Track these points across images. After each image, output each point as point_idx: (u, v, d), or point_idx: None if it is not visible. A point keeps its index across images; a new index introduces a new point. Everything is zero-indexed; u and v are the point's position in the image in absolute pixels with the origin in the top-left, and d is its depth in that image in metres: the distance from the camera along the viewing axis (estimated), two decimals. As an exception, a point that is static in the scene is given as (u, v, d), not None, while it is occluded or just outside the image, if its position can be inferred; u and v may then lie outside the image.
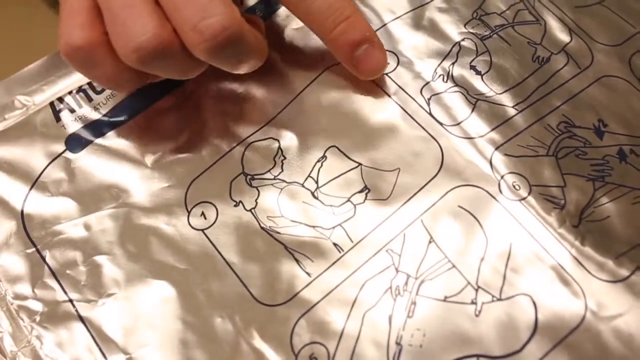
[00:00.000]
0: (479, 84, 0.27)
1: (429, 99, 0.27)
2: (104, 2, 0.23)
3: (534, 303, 0.23)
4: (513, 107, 0.27)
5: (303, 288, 0.24)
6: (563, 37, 0.30)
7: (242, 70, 0.26)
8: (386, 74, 0.28)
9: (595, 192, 0.25)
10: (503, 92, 0.28)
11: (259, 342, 0.23)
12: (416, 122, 0.26)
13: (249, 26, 0.24)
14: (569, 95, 0.28)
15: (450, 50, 0.28)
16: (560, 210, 0.25)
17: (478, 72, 0.28)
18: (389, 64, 0.28)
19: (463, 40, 0.29)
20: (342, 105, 0.27)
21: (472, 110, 0.27)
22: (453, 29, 0.29)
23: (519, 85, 0.28)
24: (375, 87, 0.27)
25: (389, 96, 0.27)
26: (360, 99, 0.27)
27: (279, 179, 0.26)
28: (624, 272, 0.24)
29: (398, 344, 0.23)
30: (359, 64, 0.26)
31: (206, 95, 0.29)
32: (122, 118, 0.28)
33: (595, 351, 0.22)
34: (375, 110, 0.27)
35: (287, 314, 0.24)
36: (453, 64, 0.28)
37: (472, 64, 0.28)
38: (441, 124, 0.26)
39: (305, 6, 0.26)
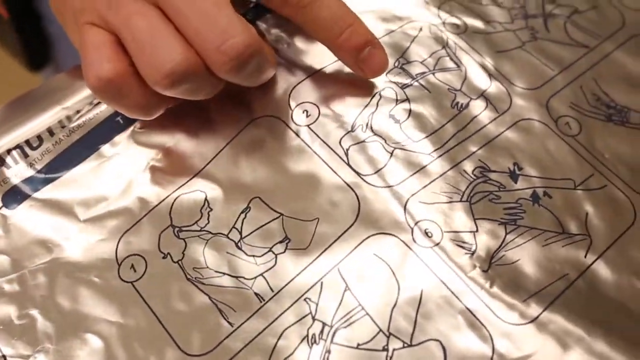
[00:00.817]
0: (397, 133, 0.29)
1: (347, 149, 0.28)
2: (128, 34, 0.25)
3: (443, 348, 0.24)
4: (429, 154, 0.28)
5: (225, 337, 0.25)
6: (483, 82, 0.31)
7: (258, 83, 0.28)
8: (307, 126, 0.29)
9: (507, 235, 0.26)
10: (420, 140, 0.29)
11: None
12: (334, 172, 0.28)
13: (263, 40, 0.26)
14: (486, 140, 0.29)
15: (370, 100, 0.30)
16: (470, 256, 0.26)
17: (397, 121, 0.29)
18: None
19: (384, 89, 0.30)
20: (265, 157, 0.28)
21: (389, 159, 0.28)
22: (375, 79, 0.30)
23: (436, 132, 0.29)
24: (297, 138, 0.29)
25: (310, 147, 0.28)
26: (283, 150, 0.28)
27: (205, 231, 0.27)
28: (533, 313, 0.25)
29: (310, 392, 0.24)
30: (364, 65, 0.29)
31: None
32: (56, 174, 0.29)
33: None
34: (296, 161, 0.28)
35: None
36: (373, 113, 0.29)
37: (391, 112, 0.29)
38: (358, 173, 0.27)
39: (313, 17, 0.28)
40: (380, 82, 0.30)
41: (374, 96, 0.30)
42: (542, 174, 0.28)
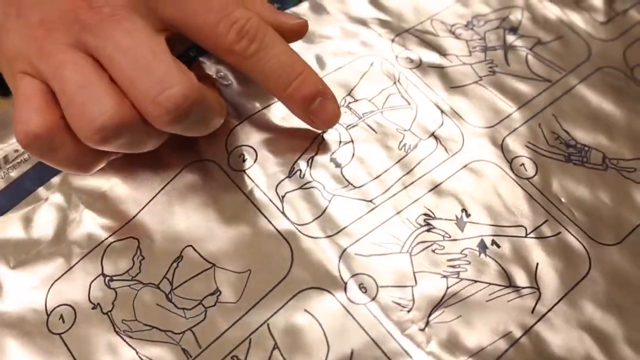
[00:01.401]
0: (338, 178, 0.27)
1: (283, 196, 0.27)
2: (58, 85, 0.23)
3: (372, 412, 0.23)
4: (371, 201, 0.27)
5: (150, 396, 0.24)
6: (434, 120, 0.30)
7: (205, 132, 0.26)
8: (243, 171, 0.28)
9: (448, 289, 0.25)
10: (362, 186, 0.27)
11: None
12: (269, 220, 0.26)
13: (206, 87, 0.24)
14: (433, 184, 0.28)
15: (311, 143, 0.28)
16: (407, 312, 0.24)
17: (338, 165, 0.28)
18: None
19: (326, 131, 0.29)
20: (199, 203, 0.27)
21: (327, 207, 0.27)
22: None
23: (380, 176, 0.28)
24: (232, 184, 0.27)
25: (245, 194, 0.27)
26: (217, 196, 0.27)
27: (136, 280, 0.26)
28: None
29: None
30: (315, 116, 0.27)
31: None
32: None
33: None
34: (230, 208, 0.27)
35: None
36: (313, 157, 0.28)
37: (333, 156, 0.28)
38: (293, 222, 0.26)
39: (260, 67, 0.26)
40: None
41: (315, 138, 0.29)
42: (491, 221, 0.27)
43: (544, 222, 0.27)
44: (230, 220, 0.27)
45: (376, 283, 0.25)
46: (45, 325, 0.26)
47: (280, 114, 0.29)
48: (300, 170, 0.28)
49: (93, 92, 0.23)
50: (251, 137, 0.29)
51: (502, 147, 0.29)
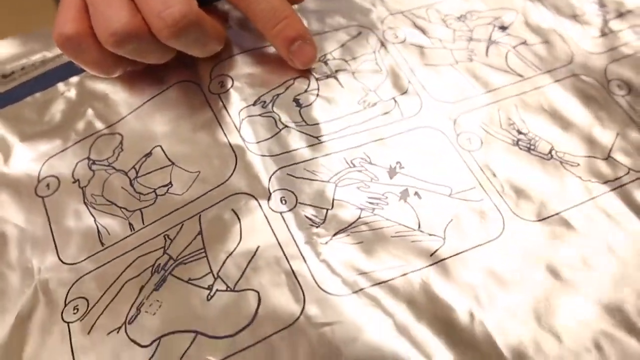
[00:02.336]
0: (294, 115, 0.32)
1: (242, 119, 0.31)
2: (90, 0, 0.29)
3: (259, 299, 0.26)
4: (317, 137, 0.31)
5: (94, 254, 0.29)
6: (400, 87, 0.33)
7: (204, 53, 0.32)
8: (218, 95, 0.32)
9: (359, 219, 0.28)
10: (313, 125, 0.31)
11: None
12: (226, 136, 0.31)
13: (206, 15, 0.30)
14: (379, 137, 0.31)
15: (281, 84, 0.33)
16: (315, 228, 0.28)
17: (299, 105, 0.32)
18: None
19: (299, 77, 0.33)
20: (176, 115, 0.32)
21: (275, 134, 0.31)
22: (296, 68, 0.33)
23: (333, 121, 0.32)
24: (207, 104, 0.32)
25: (214, 113, 0.32)
26: (192, 113, 0.32)
27: (112, 167, 0.32)
28: (354, 288, 0.26)
29: (137, 309, 0.27)
30: (294, 56, 0.32)
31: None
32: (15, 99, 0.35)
33: (300, 350, 0.25)
34: (199, 123, 0.32)
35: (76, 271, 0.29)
36: (279, 95, 0.32)
37: (297, 97, 0.32)
38: (244, 140, 0.31)
39: (253, 8, 0.32)
40: (299, 70, 0.33)
41: (287, 81, 0.33)
42: (421, 176, 0.30)
43: (471, 189, 0.30)
44: (196, 131, 0.32)
45: (296, 199, 0.29)
46: (34, 189, 0.32)
47: (264, 58, 0.34)
48: (265, 102, 0.32)
49: (114, 6, 0.29)
50: (233, 70, 0.33)
51: (455, 121, 0.32)
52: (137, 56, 0.30)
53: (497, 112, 0.33)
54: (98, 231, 0.30)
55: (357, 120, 0.32)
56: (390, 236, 0.28)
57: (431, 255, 0.28)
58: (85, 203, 0.31)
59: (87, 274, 0.28)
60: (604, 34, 0.37)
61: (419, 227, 0.28)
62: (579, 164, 0.31)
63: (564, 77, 0.35)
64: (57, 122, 0.34)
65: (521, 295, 0.27)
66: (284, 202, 0.29)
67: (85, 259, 0.29)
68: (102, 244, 0.29)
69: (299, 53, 0.32)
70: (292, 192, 0.29)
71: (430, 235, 0.28)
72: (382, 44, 0.35)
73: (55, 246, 0.30)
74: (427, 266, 0.27)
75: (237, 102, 0.32)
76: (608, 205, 0.29)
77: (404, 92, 0.33)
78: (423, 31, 0.36)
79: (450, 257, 0.28)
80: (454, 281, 0.27)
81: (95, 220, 0.30)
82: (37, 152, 0.33)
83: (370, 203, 0.29)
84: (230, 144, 0.31)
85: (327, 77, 0.33)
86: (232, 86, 0.33)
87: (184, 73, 0.33)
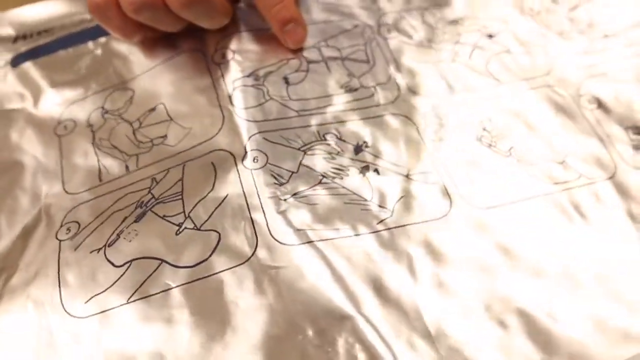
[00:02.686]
0: (281, 90, 0.36)
1: (235, 87, 0.36)
2: None
3: (219, 239, 0.31)
4: (296, 110, 0.35)
5: (93, 187, 0.34)
6: (382, 78, 0.37)
7: (212, 26, 0.37)
8: (218, 64, 0.37)
9: (318, 185, 0.32)
10: (296, 100, 0.36)
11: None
12: (218, 100, 0.35)
13: None
14: (353, 118, 0.35)
15: (277, 63, 0.37)
16: (278, 186, 0.32)
17: (287, 82, 0.36)
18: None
19: (293, 59, 0.37)
20: (180, 78, 0.37)
21: (261, 104, 0.35)
22: (291, 51, 0.37)
23: (314, 99, 0.36)
24: (207, 72, 0.37)
25: (212, 80, 0.36)
26: (194, 77, 0.37)
27: (121, 117, 0.37)
28: (297, 241, 0.30)
29: (118, 235, 0.32)
30: (287, 35, 0.37)
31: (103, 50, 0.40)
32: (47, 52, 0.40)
33: (245, 285, 0.29)
34: (198, 87, 0.36)
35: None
36: (271, 72, 0.37)
37: (287, 75, 0.36)
38: (233, 105, 0.35)
39: None
40: (294, 53, 0.37)
41: (282, 61, 0.37)
42: (385, 157, 0.34)
43: (428, 172, 0.33)
44: (195, 94, 0.36)
45: (267, 159, 0.33)
46: (54, 128, 0.37)
47: (265, 38, 0.38)
48: (258, 75, 0.36)
49: None
50: (236, 44, 0.38)
51: (427, 112, 0.36)
52: (153, 23, 0.35)
53: (468, 109, 0.36)
54: (99, 169, 0.35)
55: (336, 101, 0.36)
56: (343, 202, 0.32)
57: (377, 223, 0.31)
58: (93, 144, 0.36)
59: (83, 203, 0.33)
60: (588, 52, 0.39)
61: (372, 199, 0.32)
62: (533, 164, 0.34)
63: (539, 86, 0.37)
64: (82, 74, 0.39)
65: (454, 273, 0.30)
66: (255, 160, 0.33)
67: (84, 191, 0.34)
68: (100, 180, 0.34)
69: (291, 33, 0.37)
70: (265, 153, 0.33)
71: (380, 206, 0.32)
72: (375, 38, 0.39)
73: (62, 178, 0.35)
74: (370, 232, 0.31)
75: (234, 72, 0.36)
76: (554, 204, 0.32)
77: (386, 82, 0.37)
78: (414, 31, 0.39)
79: (394, 227, 0.31)
80: (393, 250, 0.30)
81: (98, 160, 0.35)
82: (62, 98, 0.38)
83: (332, 173, 0.33)
84: (220, 107, 0.35)
85: (319, 62, 0.37)
86: (232, 58, 0.37)
87: (193, 43, 0.38)
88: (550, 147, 0.35)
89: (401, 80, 0.37)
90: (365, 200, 0.32)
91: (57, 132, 0.37)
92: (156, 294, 0.29)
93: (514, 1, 0.42)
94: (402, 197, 0.32)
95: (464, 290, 0.29)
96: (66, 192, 0.34)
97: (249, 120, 0.34)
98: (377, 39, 0.39)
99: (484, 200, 0.32)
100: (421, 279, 0.29)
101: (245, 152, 0.33)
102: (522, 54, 0.39)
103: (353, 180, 0.32)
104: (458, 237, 0.31)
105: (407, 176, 0.33)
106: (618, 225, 0.31)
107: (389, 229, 0.31)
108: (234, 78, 0.36)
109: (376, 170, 0.33)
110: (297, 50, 0.37)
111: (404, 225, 0.31)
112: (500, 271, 0.29)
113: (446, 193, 0.32)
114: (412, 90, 0.36)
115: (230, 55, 0.37)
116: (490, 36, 0.40)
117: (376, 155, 0.34)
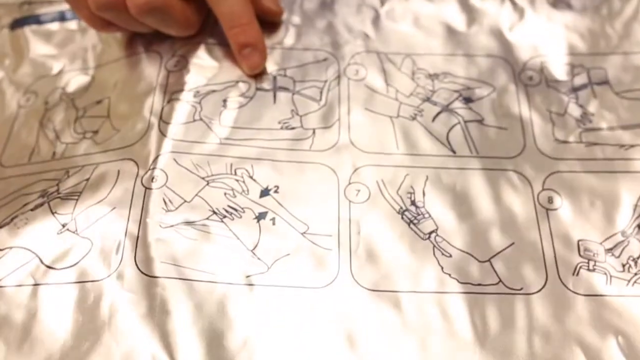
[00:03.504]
0: (214, 113, 0.35)
1: (171, 99, 0.35)
2: None
3: (89, 250, 0.31)
4: (220, 138, 0.34)
5: (21, 164, 0.36)
6: (326, 121, 0.35)
7: (176, 34, 0.37)
8: (169, 71, 0.37)
9: (206, 219, 0.32)
10: (224, 126, 0.35)
11: None
12: (151, 109, 0.35)
13: (178, 4, 0.34)
14: (275, 158, 0.34)
15: (225, 82, 0.36)
16: (165, 212, 0.32)
17: (224, 105, 0.35)
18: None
19: (244, 82, 0.36)
20: (130, 77, 0.38)
21: (186, 123, 0.35)
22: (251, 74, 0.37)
23: (244, 129, 0.34)
24: (156, 76, 0.37)
25: (156, 85, 0.36)
26: (141, 78, 0.37)
27: (72, 103, 0.38)
28: (152, 273, 0.30)
29: (12, 219, 0.33)
30: (242, 60, 0.36)
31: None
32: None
33: (90, 301, 0.29)
34: (142, 91, 0.37)
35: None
36: (213, 91, 0.36)
37: (227, 98, 0.36)
38: (161, 117, 0.35)
39: (216, 8, 0.36)
40: (248, 76, 0.36)
41: (230, 82, 0.36)
42: (288, 208, 0.32)
43: (326, 235, 0.31)
44: (136, 96, 0.36)
45: (166, 181, 0.32)
46: (18, 99, 0.39)
47: (224, 55, 0.37)
48: (198, 92, 0.35)
49: None
50: (193, 55, 0.37)
51: (356, 170, 0.33)
52: (119, 23, 0.35)
53: (403, 177, 0.33)
54: (33, 149, 0.36)
55: (266, 136, 0.34)
56: (223, 245, 0.31)
57: (247, 276, 0.30)
58: (40, 123, 0.37)
59: (3, 178, 0.35)
60: (566, 141, 0.35)
61: (254, 248, 0.31)
62: (451, 255, 0.31)
63: (495, 169, 0.34)
64: (62, 51, 0.40)
65: (303, 352, 0.28)
66: (154, 180, 0.32)
67: (11, 167, 0.35)
68: (29, 160, 0.35)
69: (247, 58, 0.35)
70: (166, 175, 0.32)
71: (258, 259, 0.30)
72: (338, 76, 0.36)
73: (4, 148, 0.36)
74: (235, 284, 0.29)
75: (177, 84, 0.36)
76: (449, 306, 0.29)
77: (328, 127, 0.35)
78: (386, 76, 0.37)
79: (264, 285, 0.30)
80: (252, 307, 0.29)
81: (37, 139, 0.36)
82: (35, 70, 0.40)
83: (225, 211, 0.32)
84: (150, 116, 0.35)
85: (267, 90, 0.36)
86: (184, 68, 0.37)
87: (158, 44, 0.38)
88: (480, 240, 0.32)
89: (345, 128, 0.34)
90: (246, 248, 0.30)
91: (19, 103, 0.38)
92: (13, 286, 0.29)
93: (512, 70, 0.37)
94: (287, 254, 0.30)
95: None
96: (1, 164, 0.36)
97: (166, 137, 0.34)
98: (341, 77, 0.36)
99: (375, 281, 0.30)
100: (268, 344, 0.28)
101: (149, 169, 0.32)
102: (496, 128, 0.35)
103: (243, 224, 0.31)
104: (327, 314, 0.29)
105: (304, 234, 0.31)
106: None
107: (255, 285, 0.29)
108: (175, 89, 0.36)
109: (272, 220, 0.31)
110: (253, 74, 0.36)
111: (274, 286, 0.29)
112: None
113: (337, 264, 0.30)
114: (352, 142, 0.34)
115: (183, 64, 0.37)
116: (469, 100, 0.36)
117: (280, 204, 0.32)
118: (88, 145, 0.35)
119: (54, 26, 0.42)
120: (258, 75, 0.36)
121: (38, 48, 0.41)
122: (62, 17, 0.42)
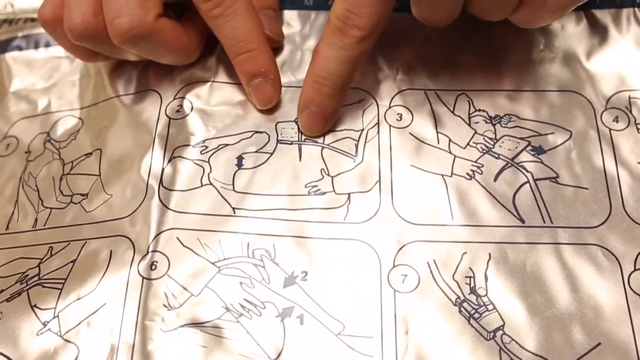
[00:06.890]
0: (227, 174, 0.29)
1: (173, 158, 0.29)
2: None
3: (77, 356, 0.25)
4: (234, 208, 0.28)
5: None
6: (363, 184, 0.28)
7: (169, 62, 0.31)
8: (169, 118, 0.30)
9: (217, 319, 0.26)
10: (239, 193, 0.28)
11: None
12: (149, 171, 0.29)
13: (168, 27, 0.29)
14: (302, 234, 0.28)
15: (240, 133, 0.30)
16: (166, 310, 0.26)
17: (239, 164, 0.29)
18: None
19: (262, 133, 0.30)
20: (126, 124, 0.32)
21: (193, 189, 0.28)
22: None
23: (263, 196, 0.28)
24: (154, 125, 0.30)
25: (154, 138, 0.30)
26: (137, 128, 0.31)
27: (58, 153, 0.32)
28: None
29: None
30: (252, 92, 0.30)
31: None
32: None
33: None
34: (138, 143, 0.31)
35: None
36: (227, 145, 0.30)
37: (243, 155, 0.29)
38: (161, 182, 0.28)
39: (219, 31, 0.30)
40: (266, 124, 0.30)
41: (246, 132, 0.30)
42: (319, 300, 0.26)
43: (367, 337, 0.25)
44: (131, 150, 0.31)
45: (168, 269, 0.27)
46: (-2, 143, 0.33)
47: (238, 95, 0.31)
48: (206, 147, 0.30)
49: (80, 4, 0.28)
50: (198, 98, 0.31)
51: (402, 248, 0.27)
52: (103, 53, 0.29)
53: (460, 256, 0.27)
54: (12, 213, 0.30)
55: (290, 205, 0.28)
56: (238, 353, 0.25)
57: None
58: (20, 179, 0.31)
59: None
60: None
61: (278, 357, 0.25)
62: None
63: (574, 243, 0.27)
64: (48, 84, 0.34)
65: None
66: (153, 267, 0.26)
67: None
68: (7, 229, 0.29)
69: (257, 90, 0.29)
70: (168, 259, 0.26)
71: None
72: (377, 123, 0.30)
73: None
74: None
75: (180, 137, 0.30)
76: None
77: (366, 191, 0.28)
78: (436, 121, 0.30)
79: None
80: None
81: (17, 201, 0.30)
82: (17, 107, 0.34)
83: (241, 306, 0.26)
84: (148, 180, 0.29)
85: (290, 143, 0.29)
86: (187, 115, 0.30)
87: (154, 79, 0.31)
88: (563, 338, 0.25)
89: (387, 192, 0.28)
90: (268, 357, 0.24)
91: (-1, 152, 0.32)
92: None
93: (592, 108, 0.30)
94: (318, 362, 0.24)
95: None
96: None
97: (168, 208, 0.27)
98: (380, 124, 0.29)
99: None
100: None
101: (147, 253, 0.26)
102: (575, 187, 0.28)
103: (264, 323, 0.25)
104: None
105: (339, 335, 0.25)
106: None
107: None
108: (178, 143, 0.29)
109: (300, 318, 0.25)
110: (270, 120, 0.29)
111: None
112: None
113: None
114: (397, 210, 0.27)
115: (187, 109, 0.30)
116: (541, 150, 0.29)
117: (310, 296, 0.26)
118: (76, 214, 0.29)
119: (39, 53, 0.35)
120: (279, 123, 0.29)
121: (21, 79, 0.34)
122: (46, 42, 0.35)
